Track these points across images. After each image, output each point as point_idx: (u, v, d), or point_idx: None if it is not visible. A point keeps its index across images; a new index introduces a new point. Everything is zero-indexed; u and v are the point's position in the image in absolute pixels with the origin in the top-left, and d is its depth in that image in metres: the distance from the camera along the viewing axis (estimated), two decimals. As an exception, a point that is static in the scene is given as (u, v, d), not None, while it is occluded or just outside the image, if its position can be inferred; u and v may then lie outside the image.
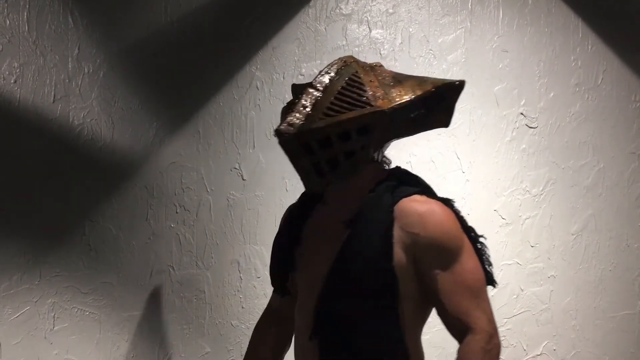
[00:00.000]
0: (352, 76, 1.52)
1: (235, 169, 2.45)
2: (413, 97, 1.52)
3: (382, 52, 2.61)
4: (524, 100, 2.77)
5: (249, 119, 2.46)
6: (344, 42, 2.57)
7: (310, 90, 1.49)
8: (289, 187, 2.49)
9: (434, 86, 1.55)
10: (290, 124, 1.45)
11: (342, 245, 1.52)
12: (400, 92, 1.53)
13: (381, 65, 1.63)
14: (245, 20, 2.45)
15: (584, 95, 2.85)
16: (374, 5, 2.62)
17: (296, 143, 1.46)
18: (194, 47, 2.40)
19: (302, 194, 1.76)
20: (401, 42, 2.65)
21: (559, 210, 2.81)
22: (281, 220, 1.81)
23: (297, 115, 1.46)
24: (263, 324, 1.86)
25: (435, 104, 1.57)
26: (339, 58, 1.57)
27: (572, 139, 2.83)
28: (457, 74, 2.67)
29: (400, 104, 1.50)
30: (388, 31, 2.64)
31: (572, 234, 2.83)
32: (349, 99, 1.48)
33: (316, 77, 1.52)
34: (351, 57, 1.59)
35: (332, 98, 1.47)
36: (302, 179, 1.52)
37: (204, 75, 2.41)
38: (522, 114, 2.77)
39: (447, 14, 2.70)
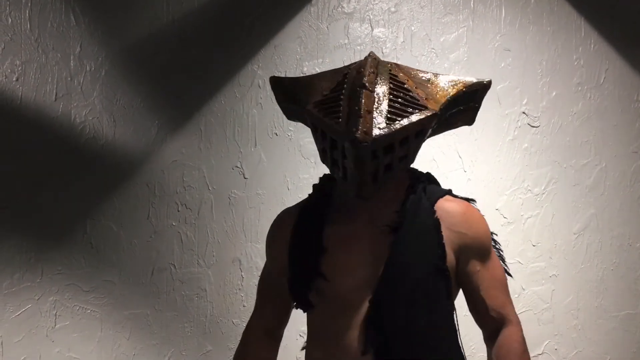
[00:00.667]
0: (391, 76, 1.48)
1: (237, 167, 2.45)
2: (450, 97, 1.52)
3: (384, 51, 2.60)
4: (526, 99, 2.76)
5: (250, 117, 2.46)
6: (346, 41, 2.57)
7: (365, 92, 1.42)
8: (290, 185, 2.49)
9: (465, 85, 1.56)
10: (366, 132, 1.37)
11: (391, 250, 1.47)
12: (437, 91, 1.53)
13: None
14: (247, 19, 2.45)
15: (586, 95, 2.85)
16: (376, 3, 2.62)
17: (370, 151, 1.38)
18: (195, 45, 2.40)
19: (317, 198, 1.63)
20: (403, 41, 2.64)
21: (560, 210, 2.80)
22: (282, 225, 1.63)
23: (367, 121, 1.38)
24: (253, 344, 1.67)
25: (464, 103, 1.58)
26: (369, 55, 1.53)
27: (574, 138, 2.82)
28: (459, 73, 2.67)
29: (444, 104, 1.50)
30: (390, 30, 2.63)
31: (574, 233, 2.83)
32: (401, 101, 1.44)
33: (361, 77, 1.45)
34: (374, 53, 1.55)
35: (387, 101, 1.43)
36: (357, 185, 1.43)
37: (205, 74, 2.41)
38: (524, 113, 2.76)
39: (449, 13, 2.69)
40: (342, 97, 1.45)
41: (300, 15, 2.53)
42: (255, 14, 2.46)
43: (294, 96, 1.61)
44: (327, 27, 2.56)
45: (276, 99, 1.69)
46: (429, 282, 1.47)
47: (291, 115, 1.70)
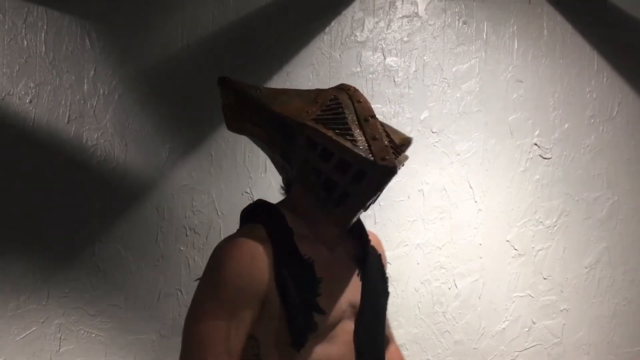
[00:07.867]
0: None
1: (247, 192, 2.44)
2: None
3: (396, 80, 2.61)
4: (538, 131, 2.75)
5: (261, 144, 2.46)
6: (359, 69, 2.58)
7: (377, 121, 1.41)
8: (299, 212, 2.47)
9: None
10: (398, 160, 1.38)
11: (363, 281, 1.48)
12: None
13: None
14: (261, 46, 2.46)
15: (598, 127, 2.84)
16: (389, 33, 2.63)
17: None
18: (208, 70, 2.41)
19: (284, 228, 1.40)
20: (415, 70, 2.65)
21: (572, 243, 2.77)
22: (256, 262, 1.31)
23: (389, 151, 1.35)
24: None
25: None
26: (351, 86, 1.50)
27: (586, 171, 2.80)
28: (471, 103, 2.67)
29: None
30: (402, 59, 2.64)
31: (586, 267, 2.79)
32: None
33: (367, 107, 1.42)
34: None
35: (385, 132, 1.43)
36: (352, 212, 1.40)
37: (218, 99, 2.42)
38: (536, 144, 2.75)
39: (462, 44, 2.70)
40: (348, 123, 1.38)
41: (314, 43, 2.54)
42: (269, 40, 2.47)
43: (251, 104, 1.55)
44: (340, 55, 2.56)
45: (226, 100, 1.60)
46: (385, 310, 1.56)
47: (237, 122, 1.60)
